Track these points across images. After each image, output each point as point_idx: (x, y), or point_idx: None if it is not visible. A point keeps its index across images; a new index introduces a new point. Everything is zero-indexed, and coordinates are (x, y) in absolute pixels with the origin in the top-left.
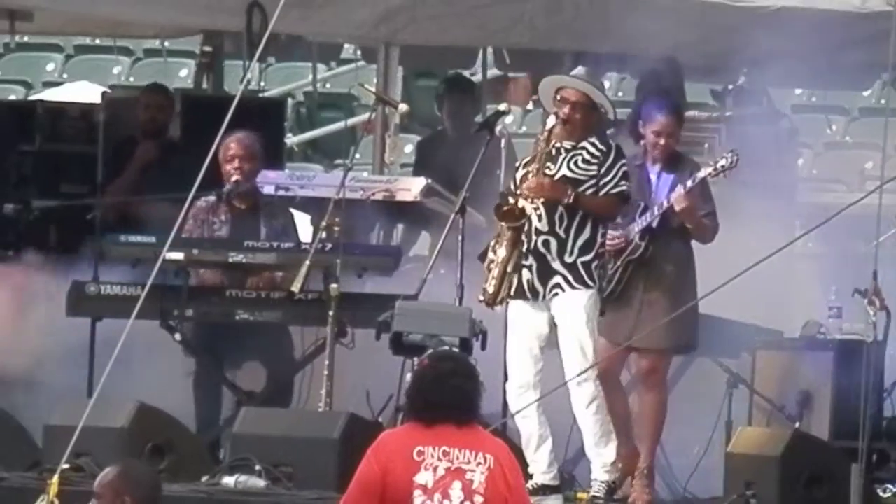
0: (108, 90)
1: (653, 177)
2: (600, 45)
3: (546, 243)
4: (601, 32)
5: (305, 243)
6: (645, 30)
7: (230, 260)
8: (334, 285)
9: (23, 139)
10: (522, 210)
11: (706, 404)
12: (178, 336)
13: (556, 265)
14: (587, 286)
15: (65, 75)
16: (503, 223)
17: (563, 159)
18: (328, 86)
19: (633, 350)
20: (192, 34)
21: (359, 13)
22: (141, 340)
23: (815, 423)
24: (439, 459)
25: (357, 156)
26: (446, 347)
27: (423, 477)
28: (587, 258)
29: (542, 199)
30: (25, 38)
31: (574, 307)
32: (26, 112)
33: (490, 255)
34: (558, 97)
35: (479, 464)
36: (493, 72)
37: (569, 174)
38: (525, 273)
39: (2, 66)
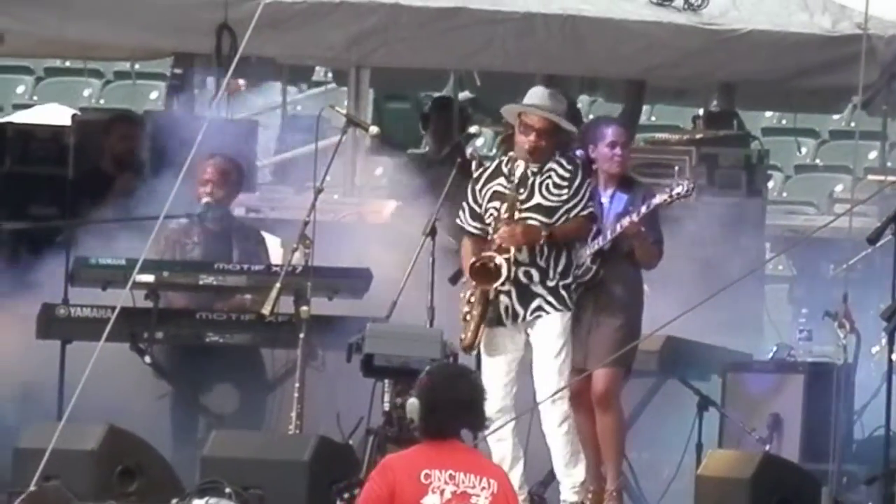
0: (79, 112)
1: (605, 200)
2: (572, 68)
3: (527, 273)
4: (572, 55)
5: (276, 266)
6: (616, 53)
7: (200, 282)
8: (305, 308)
9: None
10: (499, 269)
11: (676, 427)
12: (147, 359)
13: (538, 289)
14: (567, 308)
15: (35, 97)
16: (479, 286)
17: (534, 184)
18: (299, 108)
19: (582, 371)
20: (162, 56)
21: (330, 35)
22: (111, 362)
23: (786, 446)
24: (446, 483)
25: (328, 178)
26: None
27: (431, 500)
28: (567, 281)
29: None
30: None
31: (553, 329)
32: None
33: (465, 305)
34: (522, 124)
35: (484, 488)
36: (464, 94)
37: (543, 202)
38: (503, 299)
39: None
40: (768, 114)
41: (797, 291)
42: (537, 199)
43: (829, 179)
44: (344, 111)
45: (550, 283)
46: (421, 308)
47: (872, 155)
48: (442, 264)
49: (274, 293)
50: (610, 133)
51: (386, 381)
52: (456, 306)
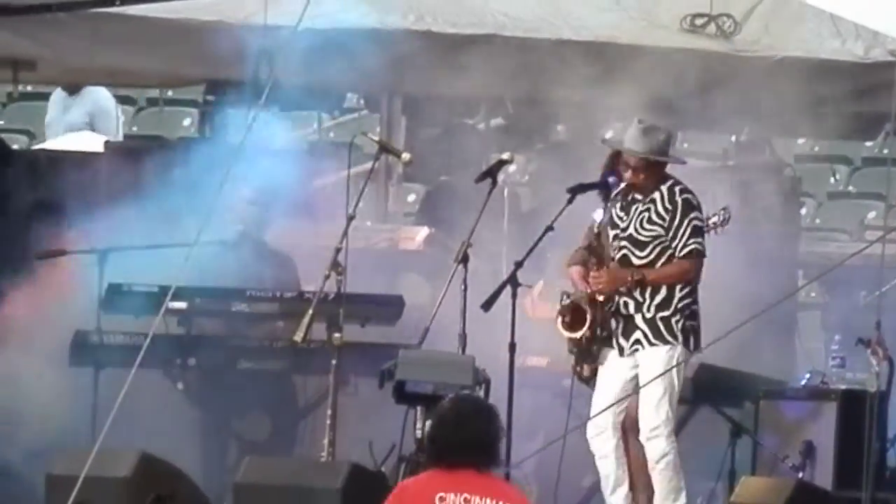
0: (111, 139)
1: None
2: (604, 95)
3: (626, 304)
4: (604, 82)
5: (308, 292)
6: (648, 79)
7: (233, 309)
8: (337, 334)
9: (26, 188)
10: (585, 316)
11: (709, 454)
12: (180, 385)
13: (637, 320)
14: (666, 342)
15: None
16: (566, 329)
17: (636, 214)
18: (331, 135)
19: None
20: (194, 83)
21: (363, 62)
22: (144, 389)
23: (819, 473)
24: None
25: (360, 205)
26: (457, 388)
27: None
28: (666, 314)
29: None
30: (28, 88)
31: (652, 363)
32: (29, 161)
33: (569, 338)
34: (621, 160)
35: None
36: (496, 121)
37: (635, 234)
38: (613, 324)
39: (5, 116)
40: (801, 141)
41: (830, 318)
42: (632, 230)
43: (862, 206)
44: (376, 138)
45: (648, 315)
46: (453, 335)
47: None
48: (474, 291)
49: (306, 320)
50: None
51: (418, 407)
52: (488, 333)
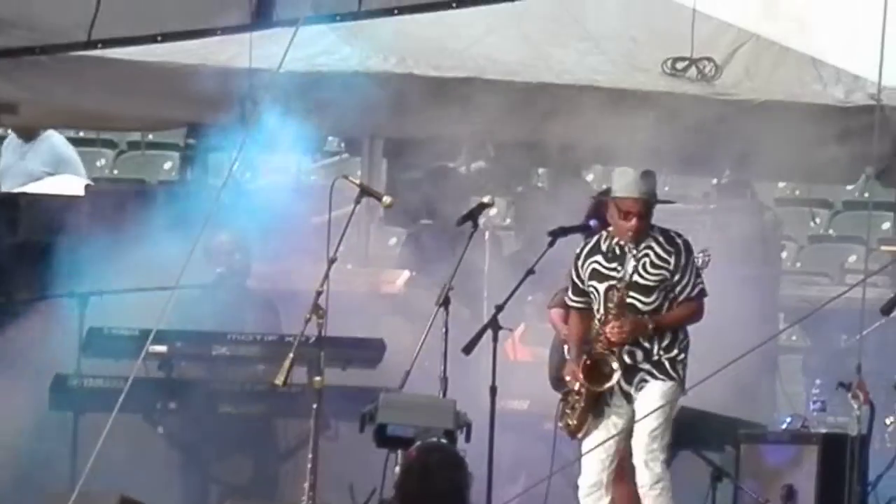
0: (92, 183)
1: None
2: (586, 138)
3: (632, 353)
4: (586, 125)
5: (289, 336)
6: (630, 123)
7: (214, 353)
8: (318, 378)
9: (6, 231)
10: (611, 375)
11: (690, 498)
12: (161, 429)
13: (643, 365)
14: (669, 377)
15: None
16: (590, 384)
17: (631, 261)
18: (313, 178)
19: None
20: (175, 127)
21: (344, 105)
22: (124, 433)
23: None
24: None
25: (341, 248)
26: (434, 439)
27: None
28: (671, 354)
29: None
30: (9, 132)
31: (653, 394)
32: (10, 204)
33: (568, 379)
34: (619, 211)
35: None
36: (477, 164)
37: (640, 281)
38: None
39: None
40: (782, 184)
41: (811, 362)
42: (636, 277)
43: (843, 250)
44: (357, 181)
45: (654, 359)
46: (434, 378)
47: (886, 225)
48: (455, 335)
49: (287, 363)
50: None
51: (399, 451)
52: (469, 376)
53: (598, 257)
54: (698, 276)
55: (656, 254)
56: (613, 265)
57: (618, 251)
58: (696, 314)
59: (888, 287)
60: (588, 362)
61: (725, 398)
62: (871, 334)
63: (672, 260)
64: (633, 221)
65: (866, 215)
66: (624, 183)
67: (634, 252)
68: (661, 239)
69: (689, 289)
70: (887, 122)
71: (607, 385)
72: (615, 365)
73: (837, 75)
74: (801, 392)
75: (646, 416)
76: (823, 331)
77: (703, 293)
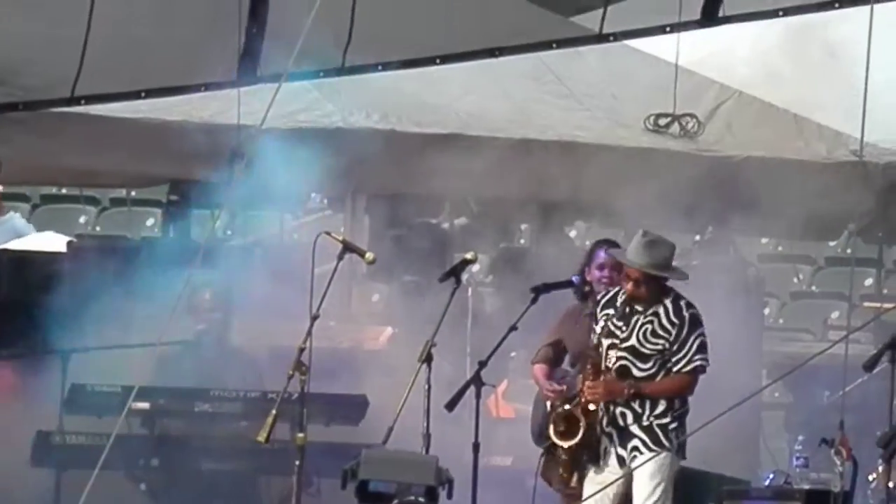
0: (74, 239)
1: None
2: (568, 195)
3: (623, 414)
4: (568, 182)
5: (272, 392)
6: (612, 179)
7: (196, 409)
8: (301, 434)
9: None
10: (578, 431)
11: None
12: (143, 486)
13: (634, 429)
14: (664, 448)
15: (30, 224)
16: (563, 443)
17: (637, 324)
18: (295, 236)
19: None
20: (159, 184)
21: (326, 162)
22: (107, 490)
23: None
24: None
25: (324, 305)
26: (412, 497)
27: None
28: (663, 421)
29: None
30: None
31: (646, 470)
32: None
33: (552, 435)
34: (623, 272)
35: None
36: (460, 220)
37: (638, 347)
38: (604, 440)
39: None
40: (764, 240)
41: (794, 418)
42: (633, 341)
43: (825, 306)
44: (340, 237)
45: (645, 423)
46: (417, 434)
47: (868, 282)
48: (438, 391)
49: (270, 420)
50: (601, 256)
51: None
52: (452, 432)
53: (611, 311)
54: (702, 351)
55: (660, 323)
56: (620, 324)
57: (627, 310)
58: (684, 389)
59: (871, 343)
60: (556, 418)
61: (708, 454)
62: (853, 390)
63: (674, 332)
64: (630, 286)
65: (849, 272)
66: (631, 246)
67: (641, 317)
68: (669, 307)
69: (683, 362)
70: (869, 179)
71: (572, 442)
72: (582, 424)
73: (819, 131)
74: (784, 448)
75: (640, 495)
76: (806, 387)
77: (699, 370)
